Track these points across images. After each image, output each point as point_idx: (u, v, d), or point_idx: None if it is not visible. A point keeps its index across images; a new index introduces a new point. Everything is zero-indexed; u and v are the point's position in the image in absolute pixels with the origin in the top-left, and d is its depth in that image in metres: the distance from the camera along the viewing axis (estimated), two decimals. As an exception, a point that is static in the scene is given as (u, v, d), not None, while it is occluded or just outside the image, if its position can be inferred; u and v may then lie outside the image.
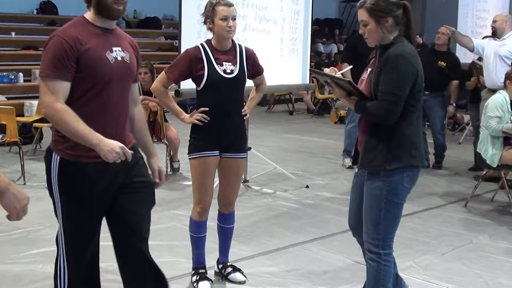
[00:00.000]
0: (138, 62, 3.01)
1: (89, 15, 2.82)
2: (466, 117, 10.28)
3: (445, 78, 7.82)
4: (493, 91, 6.62)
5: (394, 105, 3.07)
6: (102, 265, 4.37)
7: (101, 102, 2.77)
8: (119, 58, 2.81)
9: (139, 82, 7.77)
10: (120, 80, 2.83)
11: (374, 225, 3.25)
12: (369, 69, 3.27)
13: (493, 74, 7.01)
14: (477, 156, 6.54)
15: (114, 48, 2.81)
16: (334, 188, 6.77)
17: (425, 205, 6.20)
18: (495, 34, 7.25)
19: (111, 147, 2.62)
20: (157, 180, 3.11)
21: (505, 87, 6.06)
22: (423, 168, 3.35)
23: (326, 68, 3.33)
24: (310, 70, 3.51)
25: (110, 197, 2.88)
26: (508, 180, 6.38)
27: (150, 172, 3.11)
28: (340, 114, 11.96)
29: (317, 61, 14.77)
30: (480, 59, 8.18)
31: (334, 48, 19.12)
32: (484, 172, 6.34)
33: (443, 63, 7.77)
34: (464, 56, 9.28)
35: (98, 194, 2.84)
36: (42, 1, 14.64)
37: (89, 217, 2.88)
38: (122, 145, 2.65)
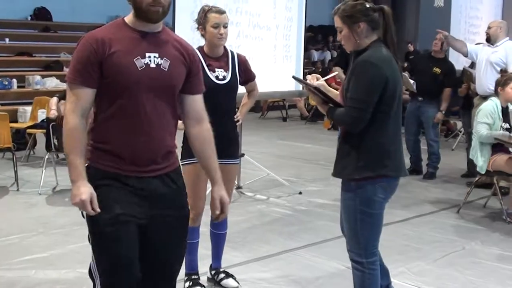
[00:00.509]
0: (191, 71, 2.68)
1: (129, 17, 2.62)
2: (459, 124, 10.31)
3: (439, 85, 7.79)
4: (485, 97, 6.66)
5: (361, 112, 3.02)
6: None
7: (131, 110, 2.54)
8: (152, 65, 2.55)
9: None
10: (151, 88, 2.54)
11: (353, 235, 3.23)
12: None
13: (483, 80, 7.03)
14: (470, 162, 6.57)
15: (148, 54, 2.54)
16: (327, 195, 6.78)
17: (417, 212, 6.23)
18: (489, 40, 7.26)
19: (78, 193, 2.45)
20: (217, 212, 2.83)
21: (496, 94, 6.10)
22: (402, 177, 3.25)
23: (308, 75, 3.35)
24: (292, 77, 3.50)
25: (135, 221, 2.57)
26: (501, 187, 6.40)
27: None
28: (334, 120, 11.97)
29: (312, 70, 14.80)
30: (472, 65, 8.21)
31: (327, 55, 19.20)
32: (477, 179, 6.36)
33: (437, 70, 7.76)
34: (457, 63, 9.32)
35: (122, 214, 2.55)
36: (36, 8, 14.65)
37: (115, 241, 2.56)
38: (87, 198, 2.44)
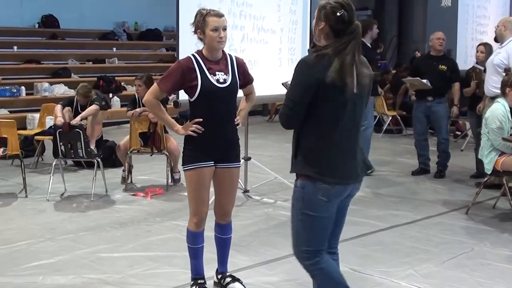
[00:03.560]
0: None
1: None
2: (468, 124, 10.25)
3: (447, 82, 7.85)
4: (493, 98, 6.63)
5: (288, 110, 3.05)
6: (101, 276, 4.41)
7: None
8: None
9: (136, 95, 7.81)
10: None
11: (294, 234, 3.23)
12: None
13: (487, 82, 7.01)
14: (479, 163, 6.51)
15: None
16: (335, 197, 6.74)
17: (426, 213, 6.19)
18: (497, 39, 7.20)
19: None
20: None
21: (503, 94, 6.05)
22: (344, 184, 3.15)
23: None
24: (282, 84, 3.33)
25: None
26: (510, 187, 6.34)
27: None
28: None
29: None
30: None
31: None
32: (485, 179, 6.32)
33: (444, 67, 7.79)
34: (464, 64, 9.29)
35: None
36: (44, 15, 14.71)
37: None
38: None
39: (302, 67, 3.05)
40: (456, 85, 7.90)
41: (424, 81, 7.72)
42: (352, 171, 3.16)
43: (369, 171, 7.96)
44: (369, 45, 7.99)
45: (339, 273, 3.34)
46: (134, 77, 7.79)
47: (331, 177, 3.09)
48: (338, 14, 3.04)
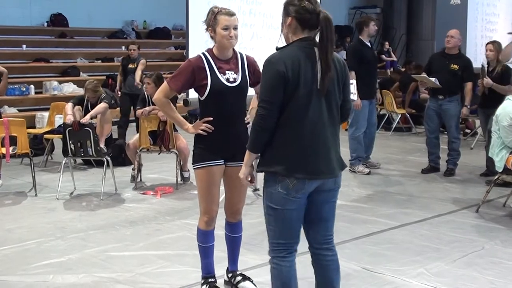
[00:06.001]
0: None
1: None
2: (478, 122, 10.21)
3: (459, 81, 7.78)
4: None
5: (263, 110, 3.12)
6: (112, 275, 4.41)
7: None
8: None
9: (146, 94, 7.80)
10: None
11: (266, 229, 3.31)
12: None
13: None
14: (489, 161, 6.46)
15: None
16: (345, 195, 6.73)
17: (436, 211, 6.16)
18: None
19: None
20: None
21: (514, 91, 6.02)
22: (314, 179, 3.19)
23: None
24: None
25: None
26: (521, 185, 6.33)
27: None
28: (351, 121, 11.91)
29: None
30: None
31: (344, 55, 19.13)
32: (496, 177, 6.29)
33: (455, 66, 7.72)
34: (474, 61, 9.24)
35: None
36: (52, 14, 14.76)
37: None
38: None
39: (265, 66, 3.14)
40: (468, 85, 7.78)
41: (433, 79, 7.69)
42: (317, 166, 3.17)
43: (376, 167, 8.04)
44: (367, 42, 7.94)
45: (291, 280, 3.36)
46: (143, 76, 7.80)
47: (290, 172, 3.13)
48: (301, 5, 3.15)
